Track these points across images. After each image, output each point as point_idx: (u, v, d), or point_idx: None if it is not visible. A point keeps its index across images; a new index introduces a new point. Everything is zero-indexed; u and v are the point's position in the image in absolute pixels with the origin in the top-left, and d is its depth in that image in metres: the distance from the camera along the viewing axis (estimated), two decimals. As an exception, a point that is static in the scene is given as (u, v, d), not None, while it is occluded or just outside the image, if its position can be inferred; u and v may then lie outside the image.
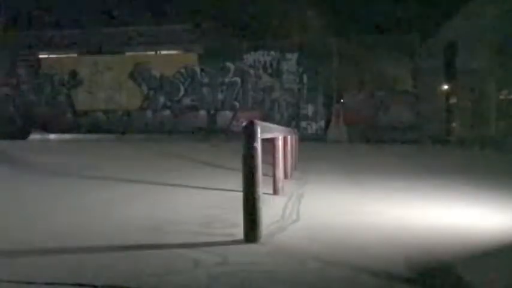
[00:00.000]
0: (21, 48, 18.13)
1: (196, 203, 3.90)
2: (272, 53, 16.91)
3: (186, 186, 4.83)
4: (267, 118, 14.07)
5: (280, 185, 4.17)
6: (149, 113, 17.91)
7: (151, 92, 17.98)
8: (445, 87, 14.57)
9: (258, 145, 2.56)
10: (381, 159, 8.78)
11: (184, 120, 17.56)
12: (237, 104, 17.40)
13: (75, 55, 18.46)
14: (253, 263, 2.15)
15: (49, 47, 18.12)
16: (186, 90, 17.74)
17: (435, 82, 15.18)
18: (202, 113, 17.61)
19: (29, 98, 18.55)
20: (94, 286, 1.86)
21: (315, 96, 16.34)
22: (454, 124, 13.97)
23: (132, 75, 18.02)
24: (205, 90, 17.55)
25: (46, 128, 17.52)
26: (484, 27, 11.06)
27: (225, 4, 15.80)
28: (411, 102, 16.48)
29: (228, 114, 17.41)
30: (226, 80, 17.43)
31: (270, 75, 17.02)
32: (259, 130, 2.58)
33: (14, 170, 6.60)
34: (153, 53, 18.03)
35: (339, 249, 2.42)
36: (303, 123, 16.44)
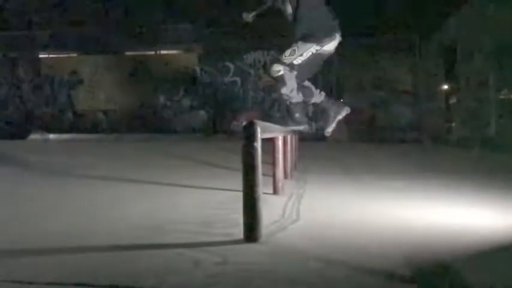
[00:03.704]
0: (21, 48, 18.12)
1: (196, 202, 3.90)
2: (272, 53, 16.91)
3: (186, 186, 4.83)
4: (267, 118, 14.07)
5: (280, 184, 4.17)
6: (149, 113, 17.91)
7: (152, 92, 17.98)
8: (445, 87, 14.56)
9: (258, 145, 2.56)
10: (381, 159, 8.79)
11: (184, 120, 17.56)
12: (237, 104, 17.40)
13: (75, 55, 18.47)
14: (253, 262, 2.15)
15: (49, 47, 18.11)
16: (186, 90, 17.74)
17: (435, 82, 15.18)
18: (202, 113, 17.61)
19: (29, 98, 18.54)
20: (94, 286, 1.86)
21: (315, 96, 16.33)
22: (454, 124, 13.96)
23: (132, 75, 18.01)
24: (205, 90, 17.56)
25: (46, 128, 17.52)
26: (484, 26, 11.07)
27: (225, 4, 15.79)
28: (411, 102, 16.48)
29: (228, 114, 17.41)
30: (226, 80, 17.43)
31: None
32: (259, 130, 2.58)
33: (14, 169, 6.60)
34: (153, 53, 18.03)
35: (339, 248, 2.42)
36: (303, 123, 16.43)
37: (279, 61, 4.86)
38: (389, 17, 14.23)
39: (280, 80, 4.88)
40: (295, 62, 4.76)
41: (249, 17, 5.09)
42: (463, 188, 4.58)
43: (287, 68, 4.79)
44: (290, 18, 4.93)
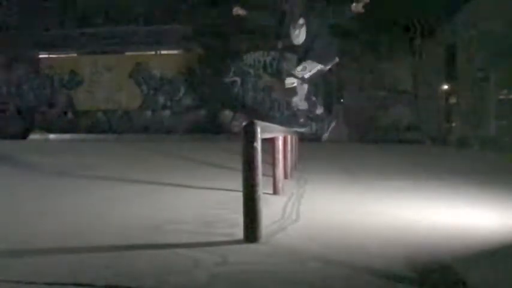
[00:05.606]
0: (21, 48, 18.10)
1: (196, 202, 3.90)
2: (272, 53, 16.89)
3: (186, 186, 4.83)
4: (267, 118, 14.05)
5: (280, 185, 4.17)
6: (149, 113, 17.90)
7: (151, 92, 17.97)
8: (445, 87, 14.55)
9: (258, 145, 2.55)
10: (381, 159, 8.78)
11: (184, 120, 17.54)
12: (237, 104, 17.38)
13: (75, 55, 18.45)
14: (253, 263, 2.15)
15: (49, 47, 18.09)
16: (186, 90, 17.72)
17: (435, 82, 15.17)
18: (202, 113, 17.59)
19: (29, 98, 18.53)
20: (94, 286, 1.86)
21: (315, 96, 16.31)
22: (454, 124, 13.95)
23: (132, 75, 18.01)
24: (205, 90, 17.54)
25: (46, 128, 17.51)
26: (484, 26, 11.06)
27: (225, 4, 15.78)
28: (411, 102, 16.46)
29: (228, 114, 17.39)
30: (226, 80, 17.41)
31: (270, 75, 17.00)
32: (259, 130, 2.58)
33: (14, 169, 6.60)
34: (153, 53, 18.01)
35: (339, 248, 2.42)
36: (303, 123, 16.41)
37: (292, 75, 6.15)
38: (390, 17, 14.20)
39: (292, 90, 6.17)
40: (305, 76, 5.99)
41: (238, 11, 6.01)
42: (463, 188, 4.58)
43: (299, 81, 6.05)
44: (298, 43, 6.00)
